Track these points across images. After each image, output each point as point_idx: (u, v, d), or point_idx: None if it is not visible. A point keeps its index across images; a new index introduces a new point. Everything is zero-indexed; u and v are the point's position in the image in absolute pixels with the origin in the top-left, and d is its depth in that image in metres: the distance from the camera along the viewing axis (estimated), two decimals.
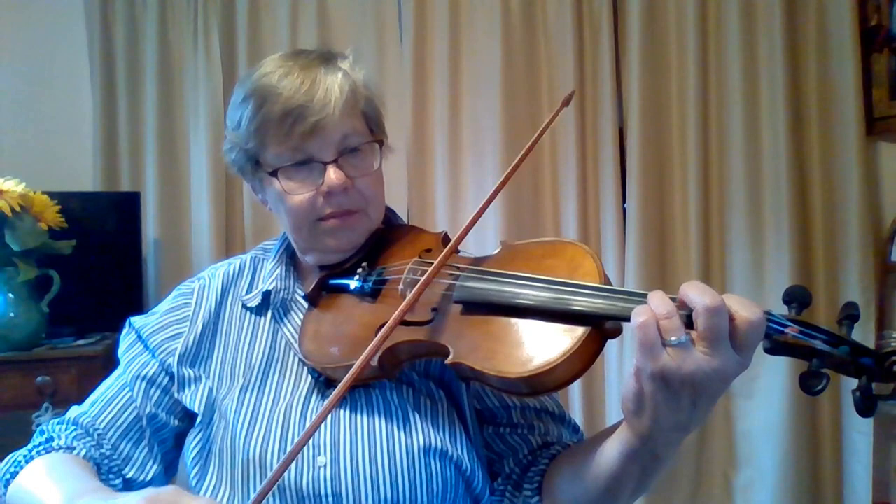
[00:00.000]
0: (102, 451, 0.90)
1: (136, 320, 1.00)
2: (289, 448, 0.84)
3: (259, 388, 0.90)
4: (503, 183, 0.84)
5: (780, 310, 0.66)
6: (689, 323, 0.62)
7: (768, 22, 2.42)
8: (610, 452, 0.72)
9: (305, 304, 0.95)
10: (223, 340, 0.95)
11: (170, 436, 0.94)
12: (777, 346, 0.64)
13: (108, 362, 2.08)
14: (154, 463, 0.92)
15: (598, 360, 0.72)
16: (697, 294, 0.61)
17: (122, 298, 2.39)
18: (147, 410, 0.92)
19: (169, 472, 0.95)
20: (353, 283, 0.90)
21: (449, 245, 0.81)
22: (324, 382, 0.89)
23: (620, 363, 2.48)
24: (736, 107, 2.46)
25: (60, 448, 0.89)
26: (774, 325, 0.63)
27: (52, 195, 2.12)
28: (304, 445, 0.72)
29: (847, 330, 0.64)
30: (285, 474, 0.82)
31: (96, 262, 2.32)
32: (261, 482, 0.82)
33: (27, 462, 0.87)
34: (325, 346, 0.87)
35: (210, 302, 0.98)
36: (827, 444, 2.42)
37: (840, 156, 2.42)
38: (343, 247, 0.93)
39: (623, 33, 2.54)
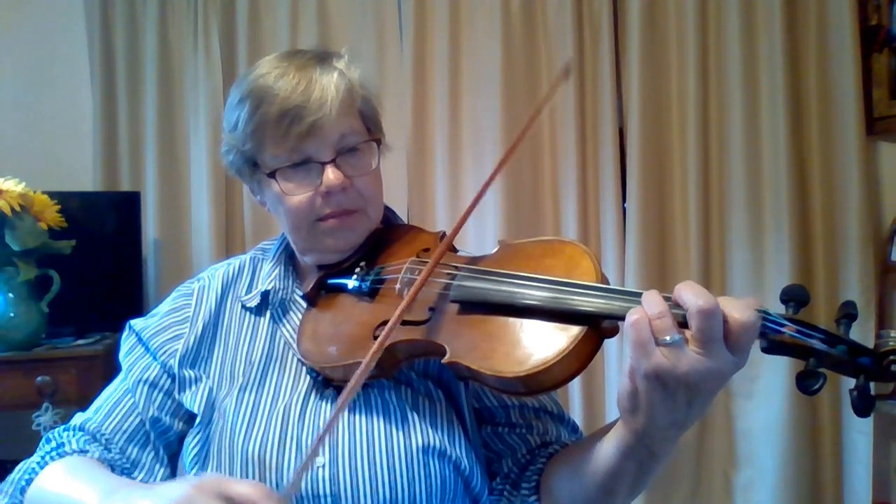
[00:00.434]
0: (111, 455, 0.90)
1: (137, 323, 0.99)
2: (288, 448, 0.84)
3: (258, 387, 0.90)
4: (502, 163, 0.84)
5: (779, 309, 0.65)
6: (684, 322, 0.61)
7: (768, 22, 2.42)
8: (606, 450, 0.72)
9: (304, 304, 0.95)
10: (223, 341, 0.95)
11: (175, 439, 0.94)
12: (774, 346, 0.63)
13: (108, 362, 2.09)
14: (161, 466, 0.92)
15: (598, 359, 0.72)
16: (691, 295, 0.61)
17: (122, 298, 2.39)
18: (150, 415, 0.92)
19: (176, 475, 0.95)
20: (351, 283, 0.90)
21: (445, 238, 0.81)
22: (322, 382, 0.89)
23: (620, 362, 2.47)
24: (736, 107, 2.45)
25: (74, 452, 0.89)
26: (771, 325, 0.63)
27: (52, 195, 2.11)
28: (317, 449, 0.72)
29: (845, 329, 0.64)
30: (284, 475, 0.82)
31: (96, 262, 2.32)
32: (259, 481, 0.81)
33: (41, 468, 0.86)
34: (323, 346, 0.87)
35: (210, 302, 0.98)
36: (827, 443, 2.42)
37: (840, 156, 2.41)
38: (342, 247, 0.93)
39: (623, 33, 2.54)
